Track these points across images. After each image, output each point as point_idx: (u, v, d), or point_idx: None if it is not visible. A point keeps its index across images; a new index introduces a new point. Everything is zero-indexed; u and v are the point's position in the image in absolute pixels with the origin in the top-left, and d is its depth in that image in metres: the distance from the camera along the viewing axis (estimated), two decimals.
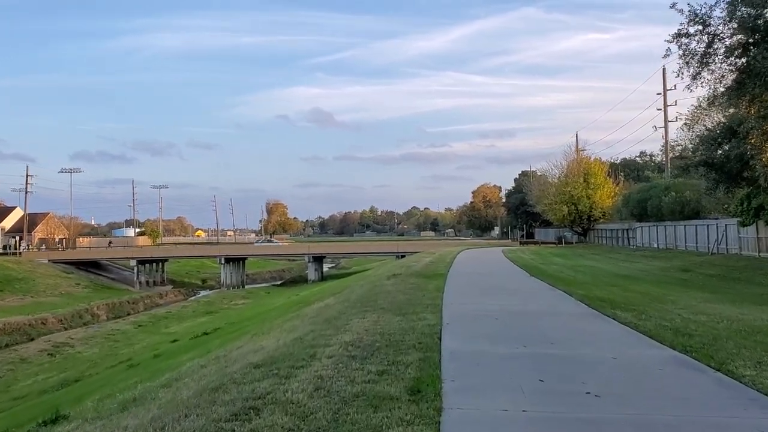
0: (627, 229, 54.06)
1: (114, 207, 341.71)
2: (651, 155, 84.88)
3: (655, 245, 47.25)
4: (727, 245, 34.51)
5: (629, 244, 53.57)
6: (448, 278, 21.35)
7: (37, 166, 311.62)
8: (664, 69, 52.29)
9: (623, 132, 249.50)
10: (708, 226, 37.29)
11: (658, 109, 52.90)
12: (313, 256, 76.22)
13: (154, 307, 61.64)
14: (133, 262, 76.03)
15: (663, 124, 52.47)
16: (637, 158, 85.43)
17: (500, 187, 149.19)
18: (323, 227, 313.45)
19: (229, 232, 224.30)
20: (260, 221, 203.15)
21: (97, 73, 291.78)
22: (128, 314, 57.48)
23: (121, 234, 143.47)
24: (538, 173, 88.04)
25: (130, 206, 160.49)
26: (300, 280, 79.33)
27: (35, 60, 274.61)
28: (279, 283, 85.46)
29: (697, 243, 38.80)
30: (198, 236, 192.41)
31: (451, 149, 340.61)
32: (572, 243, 70.13)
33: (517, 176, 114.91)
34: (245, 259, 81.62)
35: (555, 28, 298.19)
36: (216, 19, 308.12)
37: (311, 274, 75.58)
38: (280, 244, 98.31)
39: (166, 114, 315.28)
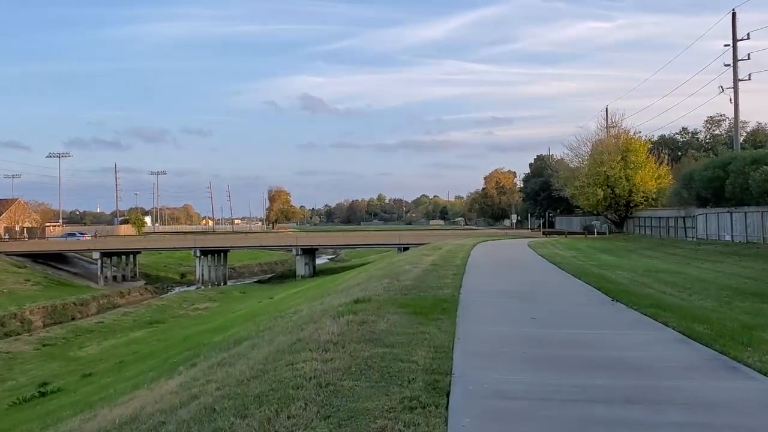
0: (684, 217, 43.17)
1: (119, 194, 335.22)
2: (694, 132, 73.70)
3: (728, 237, 36.47)
4: None
5: (686, 236, 42.73)
6: (460, 308, 10.92)
7: (32, 153, 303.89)
8: (734, 13, 41.20)
9: (645, 115, 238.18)
10: None
11: (726, 65, 41.90)
12: (302, 249, 65.76)
13: (111, 309, 51.73)
14: (95, 255, 66.01)
15: (732, 84, 41.26)
16: (677, 135, 74.30)
17: (515, 173, 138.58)
18: (330, 216, 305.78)
19: (236, 221, 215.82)
20: (266, 209, 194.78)
21: (91, 61, 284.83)
22: (73, 319, 47.66)
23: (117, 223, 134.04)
24: (557, 157, 77.45)
25: (136, 194, 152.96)
26: (290, 275, 69.27)
27: (29, 47, 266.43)
28: (267, 277, 75.54)
29: None
30: (204, 224, 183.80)
31: (451, 137, 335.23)
32: (605, 233, 59.39)
33: (533, 161, 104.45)
34: (227, 251, 71.43)
35: (555, 16, 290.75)
36: (212, 7, 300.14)
37: (300, 268, 65.28)
38: None
39: (161, 101, 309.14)
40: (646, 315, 10.66)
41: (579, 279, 17.25)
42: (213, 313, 40.48)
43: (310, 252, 67.99)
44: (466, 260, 23.56)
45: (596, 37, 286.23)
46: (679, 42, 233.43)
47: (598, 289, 14.71)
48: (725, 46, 41.76)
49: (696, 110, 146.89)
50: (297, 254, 65.76)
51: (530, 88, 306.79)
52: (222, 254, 70.24)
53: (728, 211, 36.17)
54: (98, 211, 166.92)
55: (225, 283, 68.47)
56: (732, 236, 35.83)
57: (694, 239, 40.71)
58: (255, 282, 71.22)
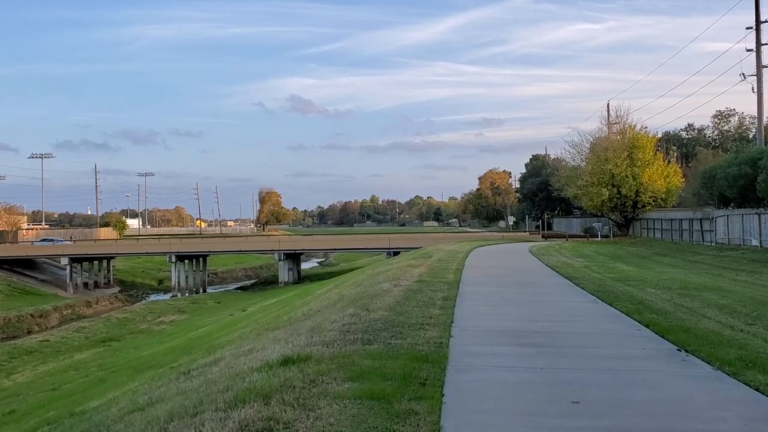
0: (700, 219, 39.03)
1: (109, 197, 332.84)
2: (700, 128, 69.62)
3: (755, 242, 32.37)
4: None
5: (703, 240, 38.61)
6: (451, 377, 6.73)
7: (19, 156, 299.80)
8: None
9: (640, 115, 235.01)
10: None
11: (749, 50, 37.81)
12: (285, 254, 61.35)
13: (75, 320, 47.14)
14: (64, 260, 61.42)
15: (755, 71, 37.11)
16: (683, 132, 70.18)
17: (510, 173, 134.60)
18: (322, 217, 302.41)
19: (230, 223, 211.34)
20: (257, 211, 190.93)
21: (79, 63, 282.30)
22: (29, 332, 43.13)
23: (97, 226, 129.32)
24: (554, 156, 73.66)
25: (127, 195, 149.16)
26: (274, 281, 64.92)
27: (18, 49, 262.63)
28: (250, 283, 71.03)
29: None
30: (198, 226, 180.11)
31: (442, 138, 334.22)
32: (608, 236, 55.25)
33: (528, 160, 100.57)
34: (206, 256, 66.91)
35: (545, 18, 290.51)
36: (203, 10, 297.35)
37: (283, 274, 60.90)
38: None
39: (149, 103, 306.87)
40: (757, 390, 6.43)
41: (610, 305, 13.01)
42: (178, 327, 36.12)
43: (294, 257, 63.61)
44: (460, 274, 19.32)
45: (586, 38, 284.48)
46: (669, 44, 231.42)
47: (645, 325, 10.50)
48: (747, 29, 37.67)
49: (695, 110, 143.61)
50: (279, 259, 61.35)
51: (520, 89, 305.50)
52: (201, 259, 65.76)
53: (756, 213, 32.03)
54: (88, 213, 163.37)
55: (204, 291, 63.99)
56: (761, 241, 31.71)
57: (713, 243, 36.60)
58: (237, 288, 66.79)
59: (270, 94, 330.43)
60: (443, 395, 6.07)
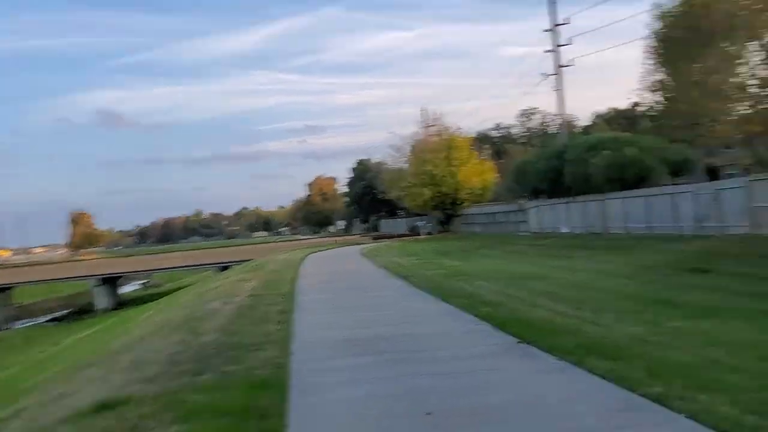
0: (515, 211, 41.60)
1: None
2: (508, 127, 74.69)
3: (565, 229, 34.97)
4: (723, 222, 22.21)
5: (518, 230, 41.17)
6: (294, 401, 6.10)
7: None
8: None
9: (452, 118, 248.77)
10: (673, 194, 25.00)
11: (546, 51, 40.84)
12: (101, 278, 56.79)
13: None
14: None
15: (554, 71, 40.19)
16: (493, 131, 74.86)
17: (335, 179, 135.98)
18: (143, 236, 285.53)
19: (37, 249, 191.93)
20: (70, 235, 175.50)
21: None
22: None
23: None
24: (377, 160, 75.48)
25: None
26: (91, 309, 59.67)
27: None
28: (66, 313, 64.76)
29: (650, 222, 26.47)
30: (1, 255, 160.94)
31: (266, 147, 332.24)
32: (431, 233, 57.34)
33: (355, 165, 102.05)
34: (8, 288, 60.02)
35: (357, 27, 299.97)
36: None
37: (101, 301, 56.41)
38: None
39: None
40: (603, 378, 6.45)
41: (446, 302, 13.04)
42: None
43: (111, 281, 59.12)
44: (295, 284, 18.64)
45: (398, 46, 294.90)
46: (474, 50, 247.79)
47: (483, 320, 10.53)
48: (545, 31, 40.71)
49: (503, 110, 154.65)
50: (95, 285, 56.75)
51: (338, 97, 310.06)
52: (2, 293, 58.86)
53: (566, 202, 34.65)
54: None
55: (8, 328, 57.31)
56: (571, 228, 34.31)
57: (528, 233, 39.12)
58: (50, 320, 60.60)
59: (76, 108, 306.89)
60: (285, 426, 5.41)
